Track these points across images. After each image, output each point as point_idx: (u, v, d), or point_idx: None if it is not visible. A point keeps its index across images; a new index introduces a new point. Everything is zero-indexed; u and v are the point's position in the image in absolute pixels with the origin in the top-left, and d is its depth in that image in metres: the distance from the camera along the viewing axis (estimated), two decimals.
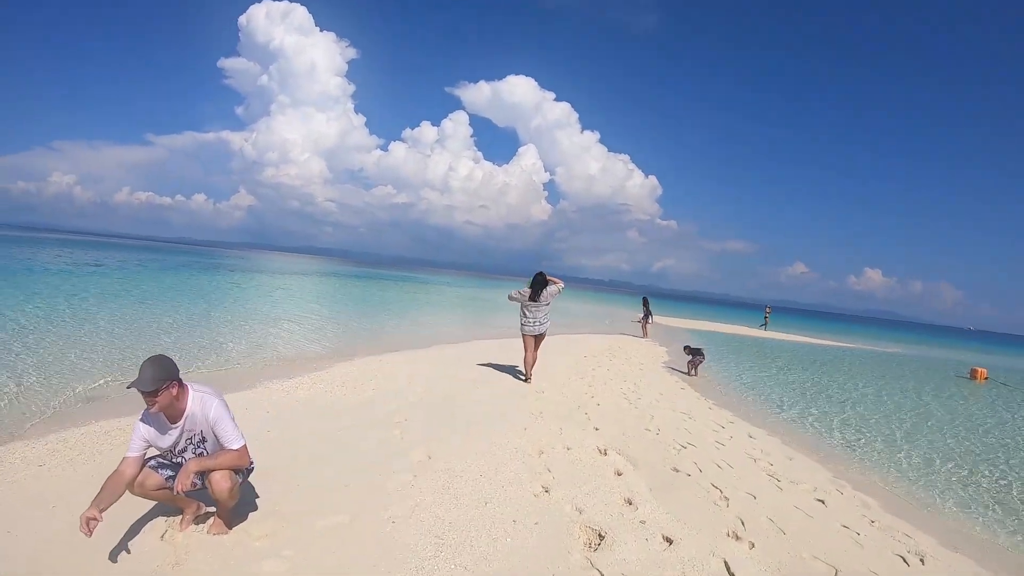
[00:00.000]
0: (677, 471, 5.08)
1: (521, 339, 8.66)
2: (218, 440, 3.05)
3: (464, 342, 13.54)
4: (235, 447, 3.04)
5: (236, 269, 43.29)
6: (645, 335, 20.71)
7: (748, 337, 27.93)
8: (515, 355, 11.34)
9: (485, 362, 10.22)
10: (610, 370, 10.74)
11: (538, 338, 8.57)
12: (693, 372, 12.11)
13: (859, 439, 7.86)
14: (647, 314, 21.28)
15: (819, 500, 4.98)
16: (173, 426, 3.00)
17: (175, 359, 3.00)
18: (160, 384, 2.82)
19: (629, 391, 8.79)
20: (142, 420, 2.97)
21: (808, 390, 11.93)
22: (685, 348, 12.54)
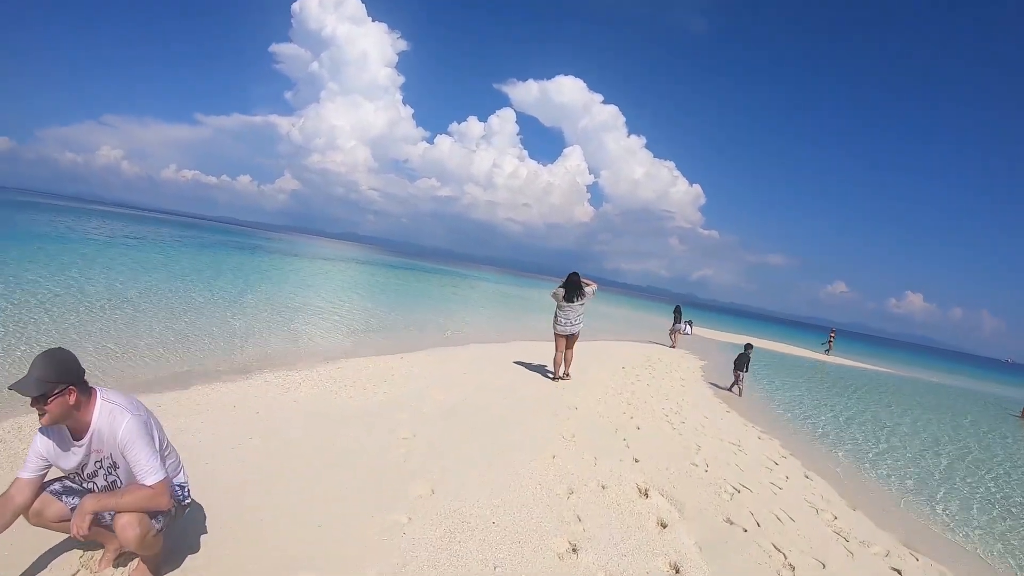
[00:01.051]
0: (731, 523, 4.31)
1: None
2: (130, 469, 2.38)
3: (496, 342, 12.94)
4: (148, 482, 2.34)
5: (274, 251, 43.89)
6: (674, 345, 20.04)
7: (808, 360, 26.28)
8: (550, 359, 10.71)
9: (517, 366, 9.59)
10: (650, 385, 9.93)
11: (570, 338, 8.72)
12: (737, 391, 11.24)
13: (934, 491, 6.88)
14: (678, 323, 20.49)
15: (895, 570, 4.17)
16: (77, 443, 2.35)
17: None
18: (50, 388, 2.16)
19: (671, 412, 7.99)
20: (41, 432, 2.34)
21: (874, 426, 10.81)
22: (737, 361, 11.46)
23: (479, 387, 7.43)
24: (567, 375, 8.95)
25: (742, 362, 11.33)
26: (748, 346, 11.94)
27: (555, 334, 8.72)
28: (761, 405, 10.93)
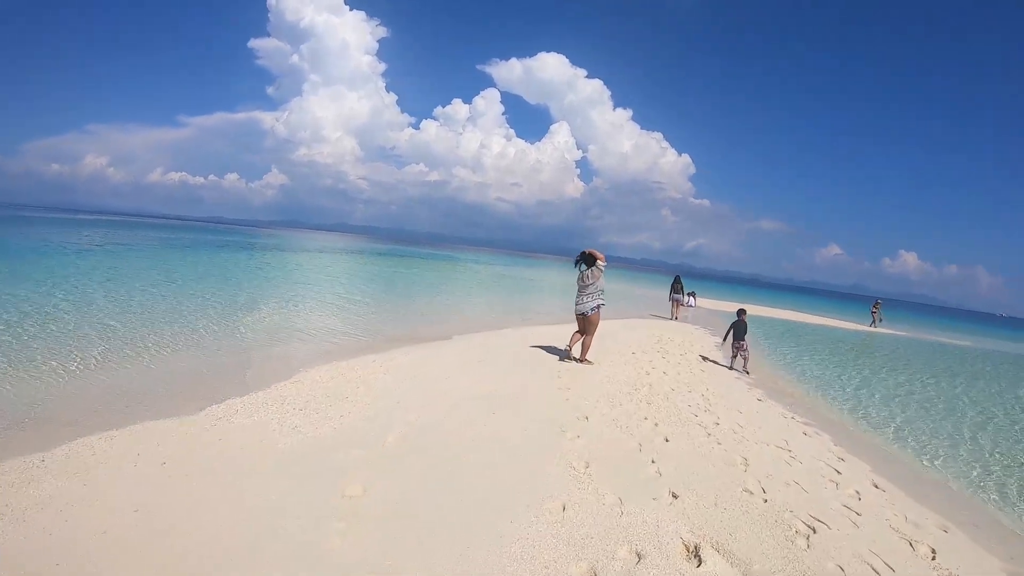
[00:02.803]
0: None
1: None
2: None
3: (486, 330, 11.52)
4: None
5: (259, 247, 41.98)
6: (675, 316, 19.16)
7: (852, 332, 24.37)
8: (553, 349, 9.38)
9: (511, 361, 8.19)
10: (667, 374, 8.54)
11: (582, 319, 8.53)
12: (742, 366, 9.99)
13: None
14: (678, 293, 19.24)
15: None
16: None
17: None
18: None
19: (699, 409, 6.61)
20: None
21: (942, 408, 9.52)
22: (737, 331, 10.17)
23: (463, 398, 5.98)
24: (582, 359, 8.55)
25: (741, 331, 10.05)
26: (742, 311, 10.65)
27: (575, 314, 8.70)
28: (793, 385, 9.65)
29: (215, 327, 9.16)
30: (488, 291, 24.53)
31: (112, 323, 8.55)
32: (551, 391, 6.62)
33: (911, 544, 3.96)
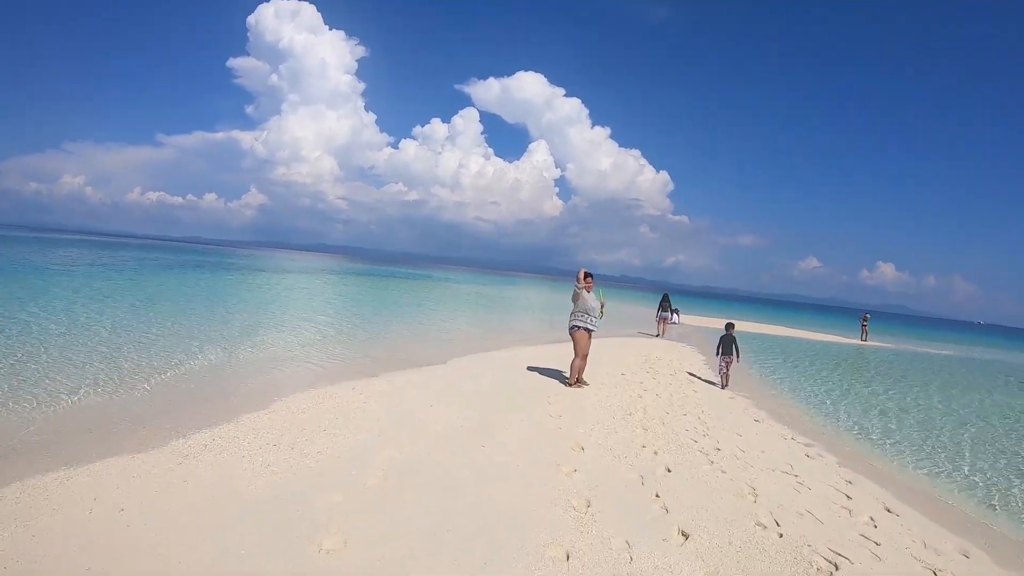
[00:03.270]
0: None
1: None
2: None
3: (477, 352, 11.15)
4: None
5: (235, 268, 40.79)
6: (660, 334, 19.25)
7: (843, 346, 24.26)
8: (543, 371, 9.05)
9: (497, 389, 7.82)
10: (660, 396, 8.25)
11: (573, 335, 8.27)
12: (724, 380, 9.89)
13: None
14: (665, 310, 19.24)
15: None
16: None
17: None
18: None
19: (698, 433, 6.32)
20: None
21: (941, 422, 9.37)
22: (725, 346, 10.01)
23: (448, 430, 5.59)
24: (572, 383, 8.33)
25: (730, 345, 9.87)
26: (730, 326, 10.44)
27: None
28: (788, 404, 9.43)
29: (184, 353, 8.62)
30: (470, 311, 24.10)
31: (76, 348, 7.99)
32: (542, 418, 6.26)
33: (935, 574, 3.72)
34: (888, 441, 7.54)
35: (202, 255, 68.45)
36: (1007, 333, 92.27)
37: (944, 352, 27.26)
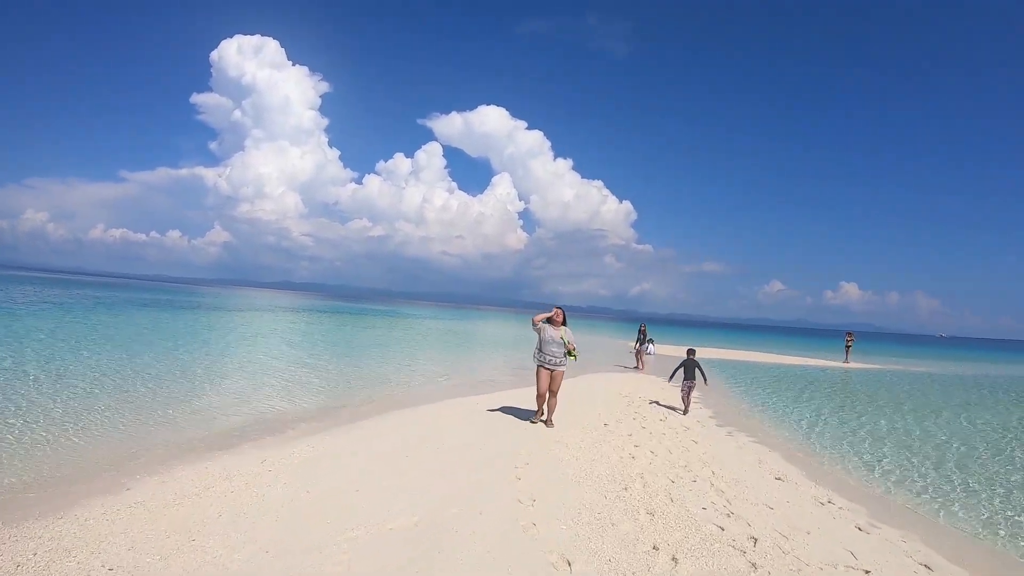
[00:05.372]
0: None
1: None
2: None
3: (430, 402, 9.49)
4: None
5: (190, 306, 37.53)
6: (640, 366, 17.72)
7: (829, 371, 22.56)
8: (508, 425, 7.49)
9: (456, 451, 6.11)
10: (656, 454, 6.57)
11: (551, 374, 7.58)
12: (687, 406, 9.86)
13: None
14: (642, 342, 17.69)
15: None
16: None
17: None
18: None
19: (720, 513, 4.61)
20: None
21: (924, 446, 7.92)
22: (688, 371, 9.92)
23: (373, 535, 3.78)
24: (549, 422, 7.70)
25: (692, 370, 9.82)
26: (691, 351, 10.47)
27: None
28: (803, 446, 7.94)
29: (79, 403, 6.89)
30: (429, 350, 22.09)
31: None
32: (510, 505, 4.46)
33: None
34: (942, 494, 6.00)
35: (158, 293, 64.36)
36: (968, 344, 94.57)
37: (929, 370, 26.11)
